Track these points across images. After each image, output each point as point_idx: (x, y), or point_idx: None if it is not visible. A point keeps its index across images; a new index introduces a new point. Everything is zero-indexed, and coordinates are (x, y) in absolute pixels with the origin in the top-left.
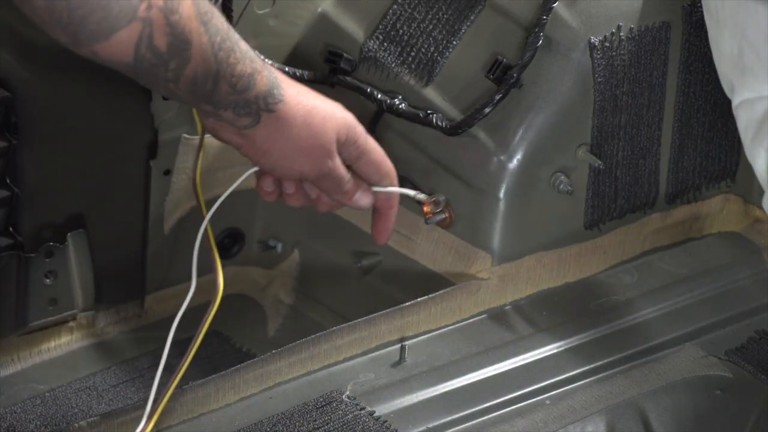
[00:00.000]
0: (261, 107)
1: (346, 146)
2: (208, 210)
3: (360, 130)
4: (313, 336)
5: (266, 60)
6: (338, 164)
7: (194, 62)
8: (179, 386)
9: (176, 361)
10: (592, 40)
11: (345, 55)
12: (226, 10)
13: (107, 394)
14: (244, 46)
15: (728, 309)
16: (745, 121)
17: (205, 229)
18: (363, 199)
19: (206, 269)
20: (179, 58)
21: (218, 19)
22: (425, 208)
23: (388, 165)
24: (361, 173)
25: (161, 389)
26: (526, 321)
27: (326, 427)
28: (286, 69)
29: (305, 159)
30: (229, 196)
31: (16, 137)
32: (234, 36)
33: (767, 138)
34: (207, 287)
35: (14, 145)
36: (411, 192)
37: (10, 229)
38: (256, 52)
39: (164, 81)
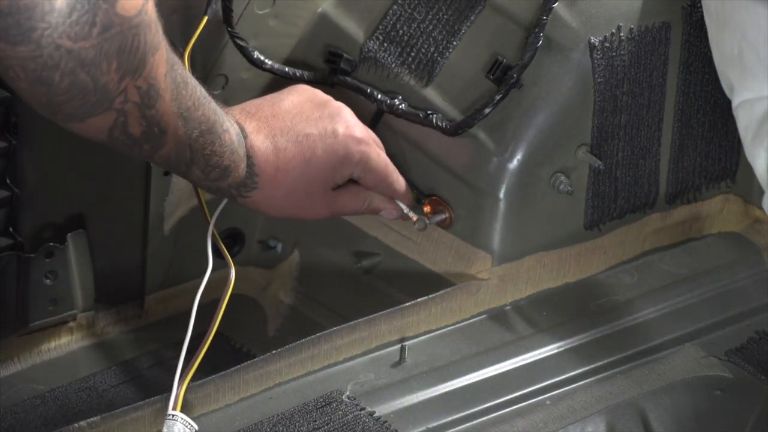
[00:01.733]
0: (234, 194)
1: (352, 174)
2: (212, 212)
3: (358, 157)
4: (313, 336)
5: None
6: (343, 204)
7: (168, 147)
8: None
9: (177, 361)
10: (592, 41)
11: (345, 55)
12: (226, 10)
13: (107, 394)
14: (228, 138)
15: (728, 309)
16: (745, 121)
17: (212, 228)
18: (393, 212)
19: (205, 269)
20: (153, 143)
21: (203, 112)
22: (425, 208)
23: (392, 182)
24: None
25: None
26: (526, 321)
27: (326, 427)
28: (287, 69)
29: (306, 213)
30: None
31: (16, 137)
32: (218, 130)
33: (767, 138)
34: (207, 287)
35: (14, 145)
36: (405, 209)
37: (10, 229)
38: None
39: (139, 155)
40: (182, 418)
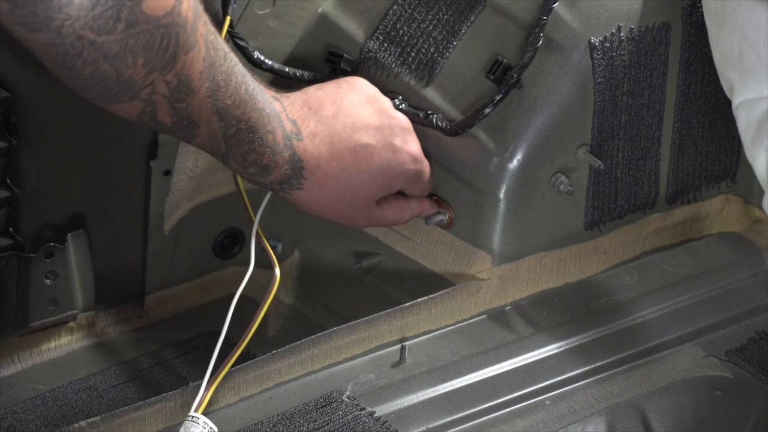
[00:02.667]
0: (275, 189)
1: (401, 188)
2: (255, 210)
3: (411, 175)
4: (313, 336)
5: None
6: (383, 216)
7: (202, 139)
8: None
9: (177, 361)
10: (592, 41)
11: (345, 55)
12: (226, 10)
13: (107, 394)
14: (271, 139)
15: (728, 309)
16: (745, 121)
17: (256, 226)
18: (436, 218)
19: (206, 269)
20: (185, 133)
21: (244, 111)
22: None
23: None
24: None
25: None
26: (527, 321)
27: (326, 427)
28: (287, 69)
29: (345, 221)
30: (228, 196)
31: (16, 137)
32: (261, 129)
33: (767, 138)
34: (208, 287)
35: (14, 145)
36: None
37: (10, 229)
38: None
39: (174, 138)
40: (204, 421)
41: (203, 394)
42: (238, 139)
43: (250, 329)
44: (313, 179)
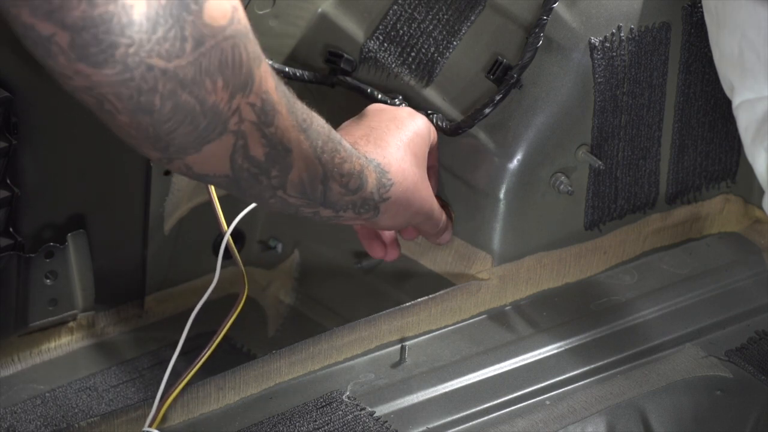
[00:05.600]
0: (377, 200)
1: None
2: (229, 222)
3: (436, 137)
4: (313, 336)
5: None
6: (437, 205)
7: (297, 168)
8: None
9: (177, 361)
10: (593, 41)
11: (345, 55)
12: None
13: (107, 394)
14: (347, 144)
15: (728, 309)
16: (745, 121)
17: (227, 240)
18: (448, 237)
19: (206, 269)
20: (280, 165)
21: (318, 123)
22: None
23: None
24: None
25: (168, 386)
26: (527, 321)
27: (326, 427)
28: (287, 69)
29: (419, 216)
30: (228, 196)
31: (16, 137)
32: (336, 136)
33: (767, 138)
34: (207, 287)
35: (14, 145)
36: None
37: (10, 229)
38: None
39: (270, 189)
40: None
41: (156, 409)
42: (329, 153)
43: (213, 343)
44: (394, 163)
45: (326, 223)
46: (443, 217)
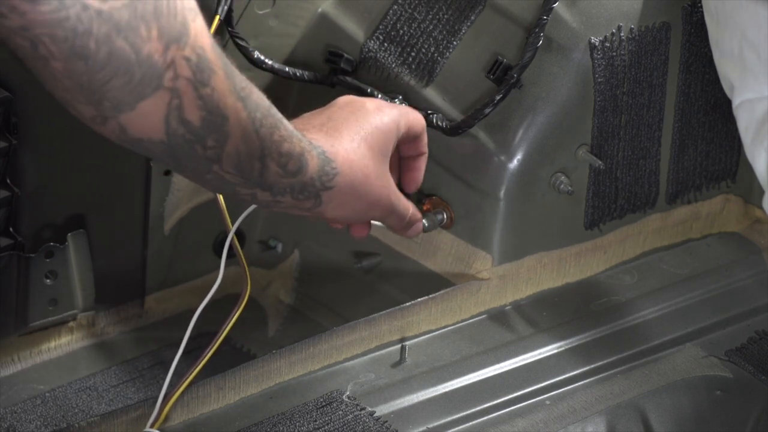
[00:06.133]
0: (318, 187)
1: (406, 144)
2: (234, 221)
3: (419, 127)
4: (313, 336)
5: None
6: (402, 199)
7: (234, 138)
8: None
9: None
10: (593, 41)
11: (345, 55)
12: (228, 10)
13: (107, 394)
14: (288, 124)
15: (728, 309)
16: (745, 121)
17: (232, 239)
18: (417, 230)
19: (206, 269)
20: (216, 134)
21: (257, 95)
22: (425, 207)
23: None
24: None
25: (171, 386)
26: (527, 321)
27: (326, 427)
28: (287, 69)
29: (375, 210)
30: (229, 198)
31: (16, 137)
32: (276, 113)
33: (767, 138)
34: (208, 287)
35: (14, 145)
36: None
37: (10, 229)
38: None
39: (205, 161)
40: None
41: (159, 409)
42: (268, 127)
43: (215, 343)
44: (341, 152)
45: (265, 209)
46: (410, 211)
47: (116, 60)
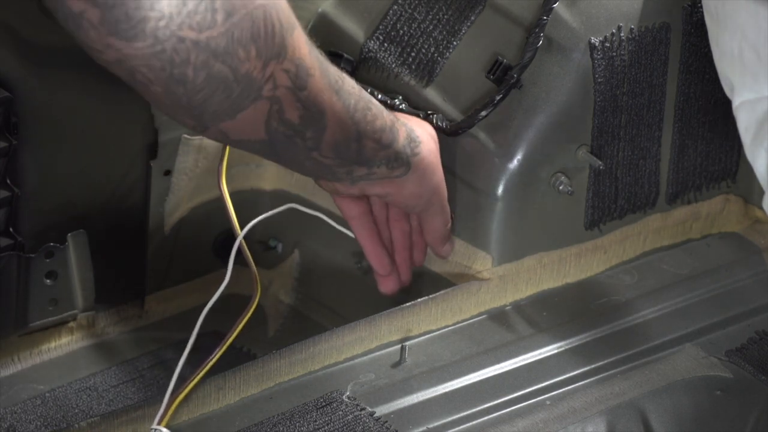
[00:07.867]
0: (409, 154)
1: None
2: (244, 226)
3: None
4: (313, 336)
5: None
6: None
7: (331, 128)
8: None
9: (177, 361)
10: (593, 41)
11: (345, 55)
12: None
13: (107, 394)
14: (376, 102)
15: (728, 309)
16: (745, 121)
17: (241, 241)
18: (449, 249)
19: (206, 269)
20: (315, 126)
21: (349, 83)
22: None
23: None
24: None
25: (178, 383)
26: (527, 321)
27: (326, 427)
28: None
29: (437, 194)
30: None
31: (16, 137)
32: (365, 95)
33: (767, 138)
34: (208, 287)
35: (14, 145)
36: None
37: (10, 229)
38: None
39: (305, 150)
40: None
41: (166, 406)
42: (361, 110)
43: (223, 344)
44: (418, 128)
45: (357, 182)
46: (450, 221)
47: (214, 82)
